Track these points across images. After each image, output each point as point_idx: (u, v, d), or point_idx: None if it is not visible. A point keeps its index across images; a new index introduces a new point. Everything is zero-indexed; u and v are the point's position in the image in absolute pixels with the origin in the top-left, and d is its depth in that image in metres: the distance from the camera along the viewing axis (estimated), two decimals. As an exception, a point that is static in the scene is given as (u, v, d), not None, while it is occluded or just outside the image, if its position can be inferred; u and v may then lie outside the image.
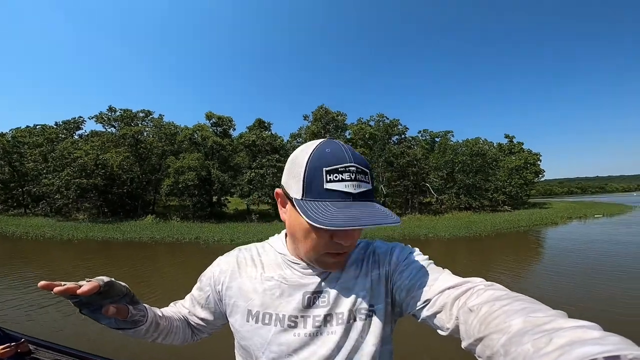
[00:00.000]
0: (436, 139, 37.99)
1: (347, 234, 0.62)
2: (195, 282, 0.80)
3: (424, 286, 0.61)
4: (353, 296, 0.67)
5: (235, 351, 0.75)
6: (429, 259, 0.69)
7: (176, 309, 0.82)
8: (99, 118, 29.09)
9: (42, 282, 0.53)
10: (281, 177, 0.69)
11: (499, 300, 0.49)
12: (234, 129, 31.26)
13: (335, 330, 0.65)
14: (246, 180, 26.46)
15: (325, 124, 29.55)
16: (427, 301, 0.59)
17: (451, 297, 0.55)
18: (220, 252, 0.84)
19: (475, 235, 16.71)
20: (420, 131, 38.47)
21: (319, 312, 0.66)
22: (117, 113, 29.17)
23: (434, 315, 0.57)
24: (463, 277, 0.61)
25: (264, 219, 25.52)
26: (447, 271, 0.64)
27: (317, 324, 0.65)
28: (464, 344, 0.51)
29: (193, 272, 9.27)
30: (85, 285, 0.54)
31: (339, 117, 30.45)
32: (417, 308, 0.61)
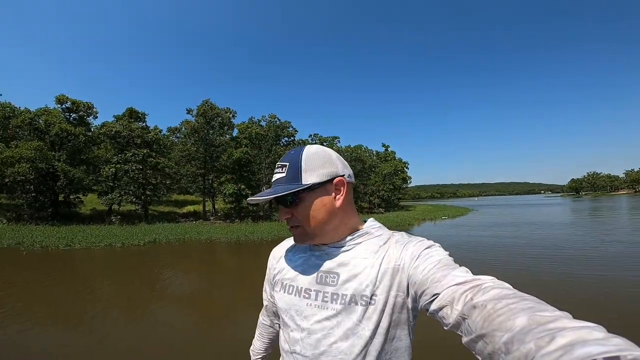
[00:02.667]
0: (324, 144, 40.59)
1: (280, 213, 0.82)
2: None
3: (435, 281, 0.62)
4: (358, 282, 0.74)
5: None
6: (449, 255, 0.70)
7: (266, 330, 1.07)
8: None
9: None
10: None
11: (505, 298, 0.48)
12: (96, 117, 26.23)
13: (336, 308, 0.73)
14: (104, 176, 22.58)
15: (209, 119, 27.77)
16: (436, 295, 0.60)
17: (458, 292, 0.56)
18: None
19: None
20: (311, 135, 40.47)
21: (328, 289, 0.76)
22: None
23: (440, 309, 0.58)
24: (475, 274, 0.61)
25: (128, 221, 22.18)
26: (463, 268, 0.64)
27: (325, 298, 0.76)
28: (464, 340, 0.52)
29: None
30: None
31: (227, 113, 29.10)
32: (426, 302, 0.63)
